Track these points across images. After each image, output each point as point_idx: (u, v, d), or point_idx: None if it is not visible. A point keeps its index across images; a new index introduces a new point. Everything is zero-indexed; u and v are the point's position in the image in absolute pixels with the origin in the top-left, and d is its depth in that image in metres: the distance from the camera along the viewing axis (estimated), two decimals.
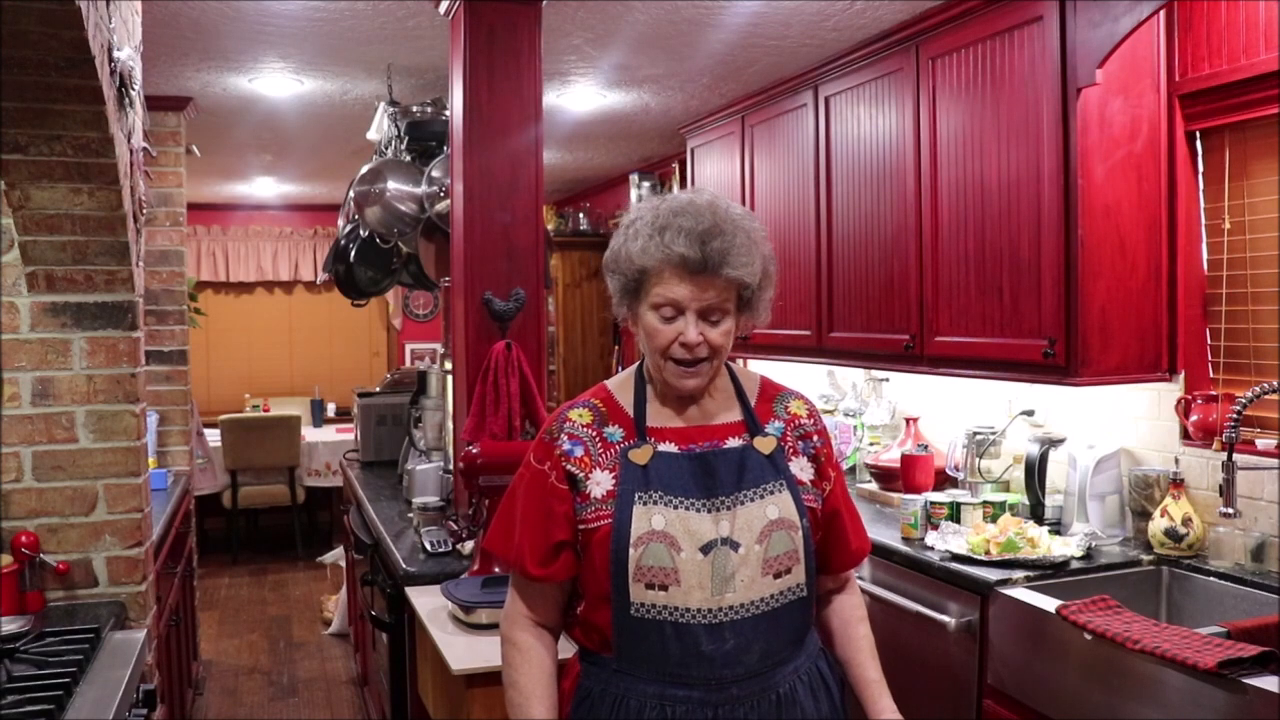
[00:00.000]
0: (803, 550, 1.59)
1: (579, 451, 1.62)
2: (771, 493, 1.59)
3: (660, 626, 1.54)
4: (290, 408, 7.69)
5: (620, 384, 1.71)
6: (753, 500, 1.58)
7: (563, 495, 1.61)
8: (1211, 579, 2.55)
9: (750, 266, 1.57)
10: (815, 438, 1.70)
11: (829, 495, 1.69)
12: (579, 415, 1.66)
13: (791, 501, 1.60)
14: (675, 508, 1.56)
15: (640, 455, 1.59)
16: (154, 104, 4.17)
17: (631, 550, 1.53)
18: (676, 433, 1.63)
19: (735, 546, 1.55)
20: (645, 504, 1.56)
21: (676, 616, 1.53)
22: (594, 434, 1.63)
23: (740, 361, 4.82)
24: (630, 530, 1.54)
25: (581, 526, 1.59)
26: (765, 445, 1.63)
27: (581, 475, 1.60)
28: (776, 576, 1.57)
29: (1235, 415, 2.38)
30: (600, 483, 1.59)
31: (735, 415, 1.67)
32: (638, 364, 1.71)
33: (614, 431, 1.64)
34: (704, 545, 1.54)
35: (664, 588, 1.53)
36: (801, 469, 1.66)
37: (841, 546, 1.72)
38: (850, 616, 1.75)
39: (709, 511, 1.56)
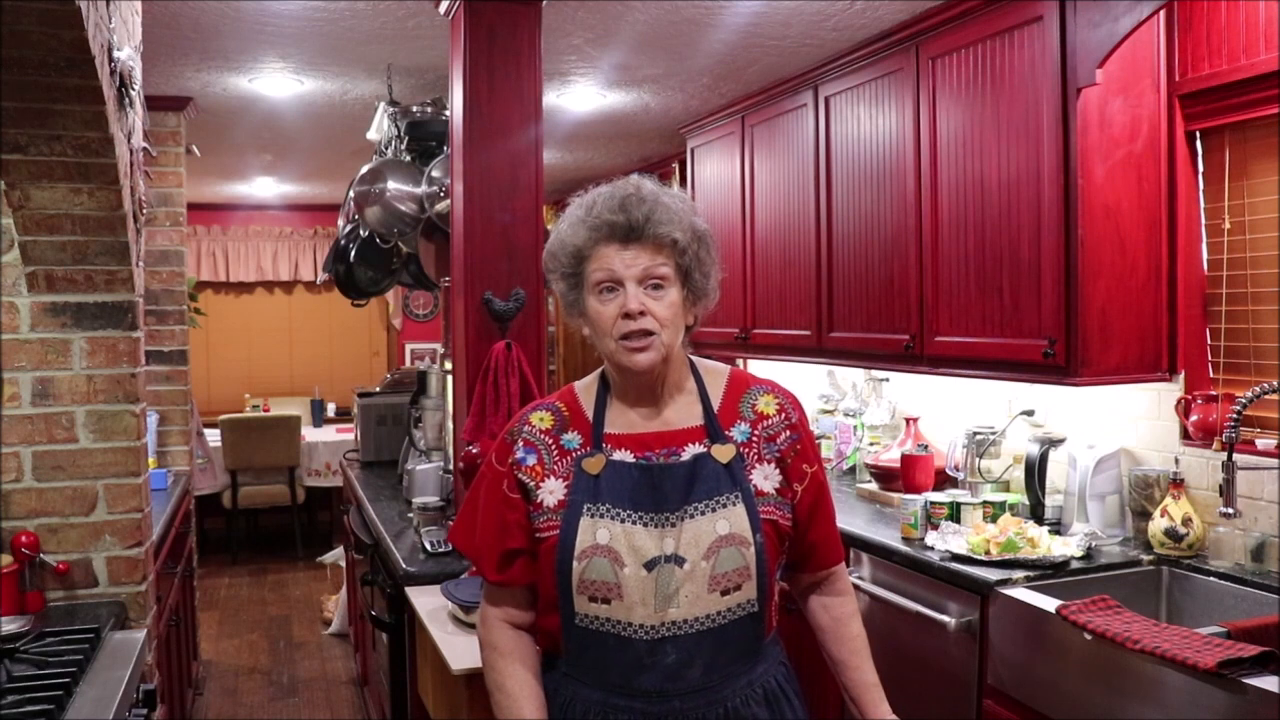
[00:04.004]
0: (755, 566, 1.54)
1: (531, 460, 1.61)
2: (724, 506, 1.54)
3: (603, 638, 1.53)
4: (290, 408, 7.69)
5: (585, 387, 1.69)
6: (702, 514, 1.53)
7: (515, 504, 1.60)
8: (1211, 579, 2.55)
9: (676, 224, 1.55)
10: (784, 435, 1.63)
11: (804, 492, 1.62)
12: (539, 419, 1.65)
13: (745, 516, 1.54)
14: (621, 521, 1.53)
15: (593, 465, 1.57)
16: (154, 104, 4.17)
17: (575, 563, 1.52)
18: (634, 439, 1.60)
19: (680, 562, 1.51)
20: (593, 516, 1.54)
21: (619, 630, 1.52)
22: (550, 440, 1.62)
23: (740, 361, 4.82)
24: (575, 543, 1.53)
25: (536, 534, 1.59)
26: (723, 454, 1.58)
27: (533, 485, 1.59)
28: (724, 593, 1.53)
29: (1235, 415, 2.38)
30: (553, 491, 1.58)
31: (696, 420, 1.62)
32: (602, 368, 1.68)
33: (571, 438, 1.62)
34: (648, 562, 1.51)
35: (606, 601, 1.52)
36: (766, 477, 1.59)
37: (820, 543, 1.67)
38: (841, 614, 1.71)
39: (655, 527, 1.53)
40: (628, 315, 1.53)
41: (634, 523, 1.53)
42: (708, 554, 1.52)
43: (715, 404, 1.64)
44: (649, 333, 1.53)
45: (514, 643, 1.64)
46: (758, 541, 1.54)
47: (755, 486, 1.58)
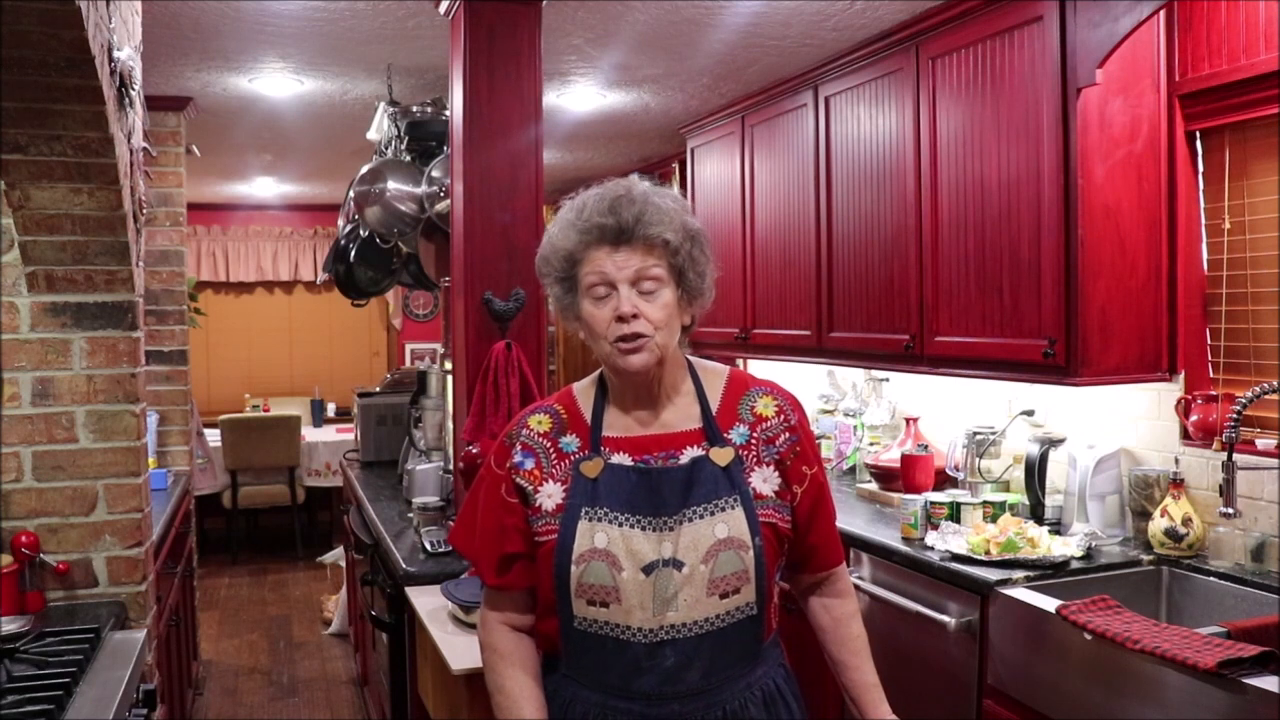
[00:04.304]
0: (754, 570, 1.53)
1: (530, 464, 1.60)
2: (723, 509, 1.53)
3: (602, 641, 1.53)
4: (290, 408, 7.69)
5: (583, 389, 1.68)
6: (701, 518, 1.52)
7: (513, 508, 1.60)
8: (1211, 579, 2.55)
9: (668, 225, 1.53)
10: (784, 437, 1.61)
11: (804, 494, 1.62)
12: (538, 422, 1.64)
13: (744, 519, 1.54)
14: (620, 525, 1.52)
15: (591, 468, 1.56)
16: (154, 104, 4.17)
17: (573, 567, 1.52)
18: (632, 442, 1.59)
19: (679, 566, 1.51)
20: (591, 520, 1.53)
21: (617, 633, 1.52)
22: (549, 444, 1.61)
23: (740, 362, 4.82)
24: (573, 547, 1.52)
25: (534, 538, 1.58)
26: (722, 457, 1.57)
27: (531, 489, 1.59)
28: (723, 596, 1.52)
29: (1235, 415, 2.38)
30: (551, 495, 1.57)
31: (695, 423, 1.61)
32: (600, 370, 1.66)
33: (570, 441, 1.61)
34: (646, 566, 1.51)
35: (605, 604, 1.51)
36: (765, 480, 1.59)
37: (820, 545, 1.67)
38: (842, 615, 1.71)
39: (653, 531, 1.52)
40: (620, 318, 1.52)
41: (632, 526, 1.52)
42: (706, 557, 1.51)
43: (714, 406, 1.63)
44: (642, 335, 1.52)
45: (514, 644, 1.64)
46: (756, 545, 1.54)
47: (754, 489, 1.57)
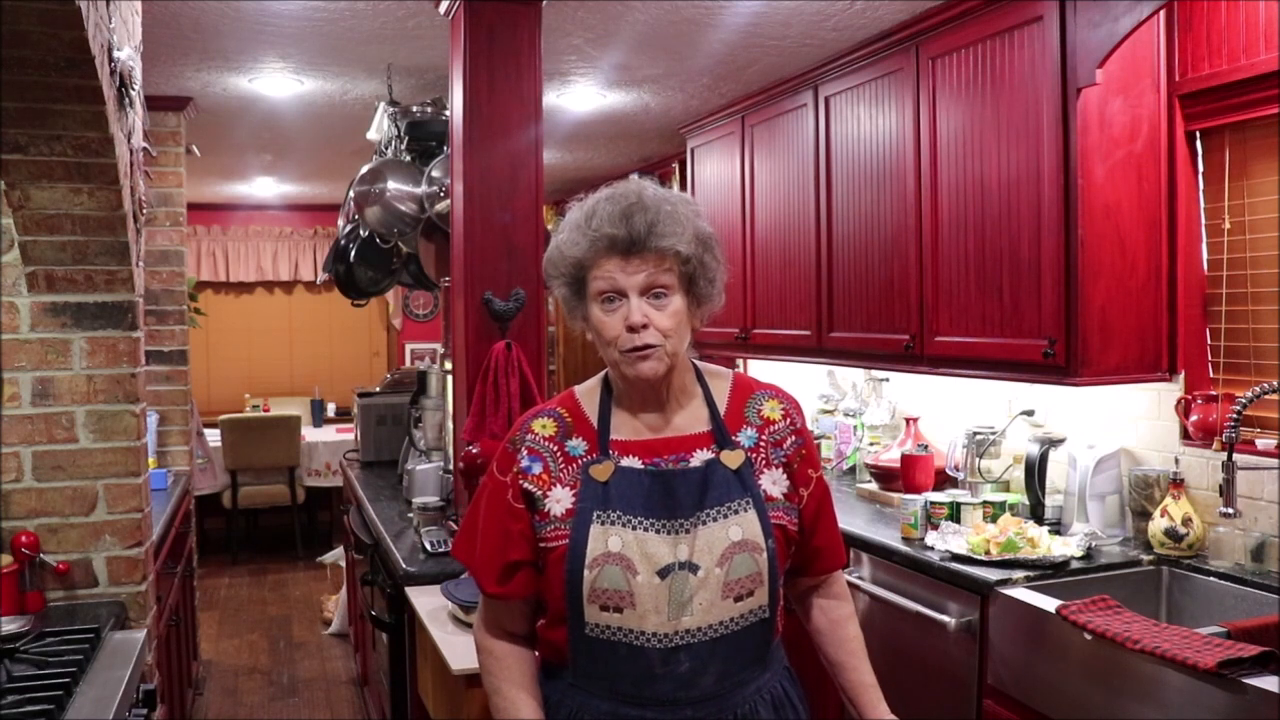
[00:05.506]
0: (767, 572, 1.53)
1: (537, 469, 1.57)
2: (736, 512, 1.53)
3: (614, 647, 1.51)
4: (290, 408, 7.69)
5: (587, 391, 1.66)
6: (715, 520, 1.52)
7: (519, 514, 1.57)
8: (1211, 579, 2.55)
9: (680, 236, 1.50)
10: (790, 440, 1.62)
11: (809, 497, 1.63)
12: (542, 426, 1.61)
13: (757, 522, 1.53)
14: (634, 529, 1.50)
15: (601, 471, 1.54)
16: (154, 104, 4.18)
17: (586, 572, 1.49)
18: (641, 445, 1.57)
19: (694, 570, 1.50)
20: (603, 524, 1.51)
21: (631, 639, 1.50)
22: (555, 448, 1.59)
23: (740, 362, 4.82)
24: (586, 551, 1.50)
25: (541, 544, 1.55)
26: (733, 460, 1.56)
27: (539, 494, 1.56)
28: (737, 600, 1.51)
29: (1235, 415, 2.38)
30: (560, 500, 1.55)
31: (703, 426, 1.60)
32: (604, 371, 1.65)
33: (577, 445, 1.58)
34: (661, 569, 1.49)
35: (619, 610, 1.49)
36: (774, 482, 1.59)
37: (824, 548, 1.68)
38: (839, 616, 1.72)
39: (669, 534, 1.51)
40: (631, 328, 1.50)
41: (647, 529, 1.51)
42: (721, 560, 1.50)
43: (721, 409, 1.63)
44: (652, 345, 1.51)
45: (510, 647, 1.63)
46: (770, 547, 1.53)
47: (764, 492, 1.57)
